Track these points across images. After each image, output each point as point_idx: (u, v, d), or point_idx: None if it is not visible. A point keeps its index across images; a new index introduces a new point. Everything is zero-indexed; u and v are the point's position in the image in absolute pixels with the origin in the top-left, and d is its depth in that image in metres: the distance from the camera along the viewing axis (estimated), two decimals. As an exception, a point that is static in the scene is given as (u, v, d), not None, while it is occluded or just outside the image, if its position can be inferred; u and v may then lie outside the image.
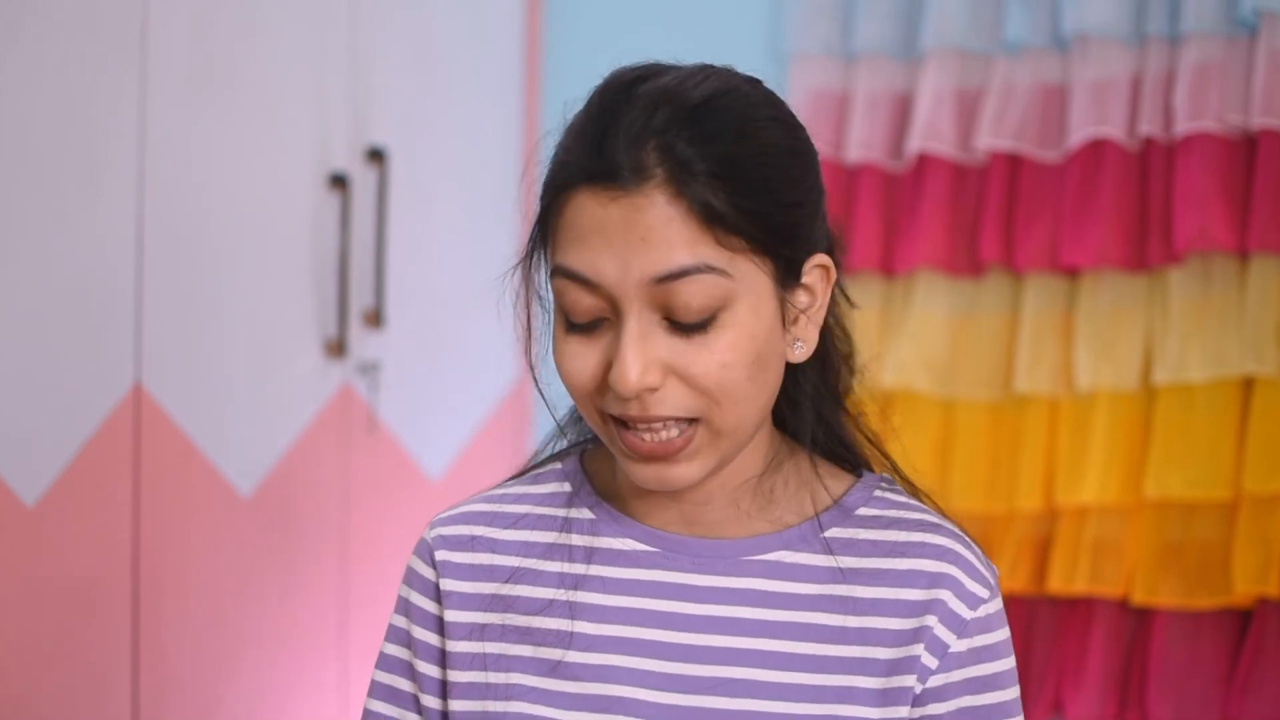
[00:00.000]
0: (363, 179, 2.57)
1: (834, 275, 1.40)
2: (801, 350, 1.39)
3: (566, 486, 1.48)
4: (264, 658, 2.38)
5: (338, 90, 2.52)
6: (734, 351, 1.32)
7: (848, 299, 1.52)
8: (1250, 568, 2.48)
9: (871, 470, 1.50)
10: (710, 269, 1.30)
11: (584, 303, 1.33)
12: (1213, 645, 2.55)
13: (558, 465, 1.51)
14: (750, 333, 1.33)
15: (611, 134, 1.32)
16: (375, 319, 2.59)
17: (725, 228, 1.30)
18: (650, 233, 1.29)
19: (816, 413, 1.45)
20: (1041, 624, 2.65)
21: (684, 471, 1.35)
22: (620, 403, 1.33)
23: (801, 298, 1.38)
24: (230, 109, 2.30)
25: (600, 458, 1.50)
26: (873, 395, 1.57)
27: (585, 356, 1.34)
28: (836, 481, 1.46)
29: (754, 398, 1.35)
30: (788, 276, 1.36)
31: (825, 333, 1.45)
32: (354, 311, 2.56)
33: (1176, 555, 2.56)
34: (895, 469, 1.50)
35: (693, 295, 1.30)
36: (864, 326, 2.49)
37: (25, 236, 1.96)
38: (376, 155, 2.58)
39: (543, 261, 1.39)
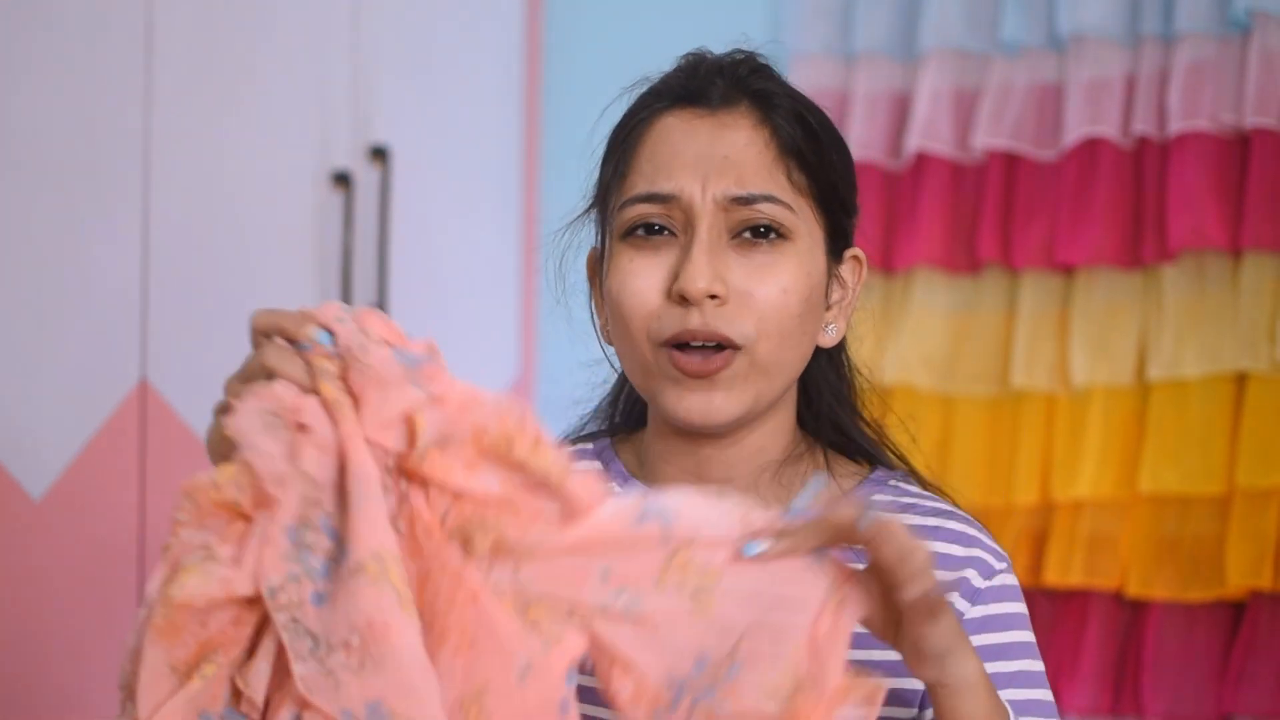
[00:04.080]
0: (366, 177, 2.58)
1: (864, 273, 1.48)
2: (832, 333, 1.46)
3: (597, 465, 1.52)
4: (268, 650, 2.39)
5: (341, 89, 2.54)
6: (793, 280, 1.39)
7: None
8: (1244, 561, 2.49)
9: (888, 468, 1.54)
10: (779, 201, 1.39)
11: (657, 218, 1.40)
12: (1207, 637, 2.55)
13: (589, 446, 1.55)
14: (807, 270, 1.40)
15: (705, 67, 1.43)
16: (378, 316, 2.60)
17: (799, 164, 1.40)
18: (733, 152, 1.39)
19: (830, 411, 1.50)
20: (1038, 616, 2.60)
21: (723, 401, 1.39)
22: (681, 317, 1.38)
23: (837, 288, 1.47)
24: (234, 108, 2.32)
25: (630, 442, 1.54)
26: (880, 396, 1.62)
27: (648, 275, 1.40)
28: (851, 475, 1.51)
29: (795, 340, 1.41)
30: (834, 248, 1.45)
31: (844, 349, 1.53)
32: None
33: (1171, 549, 2.57)
34: (912, 470, 1.53)
35: (762, 218, 1.38)
36: (863, 323, 2.51)
37: (33, 234, 1.98)
38: (379, 154, 2.59)
39: (611, 196, 1.44)
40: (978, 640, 1.40)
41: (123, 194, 2.11)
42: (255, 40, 2.36)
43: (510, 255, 2.99)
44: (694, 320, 1.37)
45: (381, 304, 2.60)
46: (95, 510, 2.09)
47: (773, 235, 1.39)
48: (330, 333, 1.15)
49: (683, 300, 1.38)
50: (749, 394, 1.40)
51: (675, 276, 1.38)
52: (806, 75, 2.82)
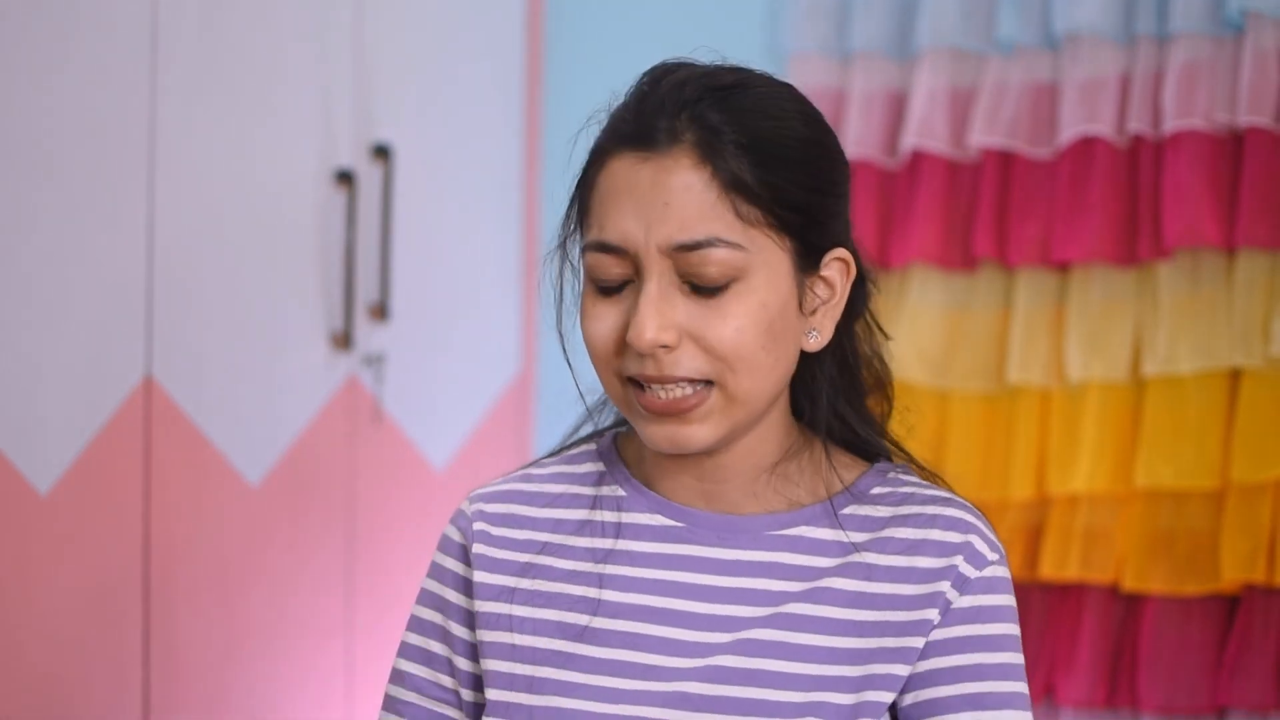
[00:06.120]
0: (368, 175, 2.59)
1: (853, 271, 1.46)
2: (816, 339, 1.45)
3: (600, 466, 1.54)
4: (272, 643, 2.40)
5: (343, 88, 2.55)
6: (747, 318, 1.38)
7: (883, 332, 1.59)
8: (1238, 555, 2.49)
9: (889, 460, 1.55)
10: (724, 243, 1.37)
11: (611, 270, 1.41)
12: (1201, 631, 2.56)
13: (592, 446, 1.57)
14: (763, 301, 1.39)
15: (649, 103, 1.41)
16: (381, 312, 2.61)
17: (746, 198, 1.38)
18: (673, 197, 1.38)
19: (832, 407, 1.51)
20: (1034, 610, 2.66)
21: (696, 432, 1.41)
22: (638, 362, 1.40)
23: (821, 289, 1.45)
24: (238, 107, 2.33)
25: (632, 440, 1.55)
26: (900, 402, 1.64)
27: (608, 319, 1.42)
28: (851, 467, 1.52)
29: (768, 368, 1.41)
30: (806, 262, 1.43)
31: (848, 338, 1.52)
32: (360, 305, 2.59)
33: (1166, 543, 2.57)
34: (912, 460, 1.55)
35: (708, 264, 1.37)
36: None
37: (38, 231, 1.99)
38: (382, 152, 2.60)
39: (578, 235, 1.46)
40: (964, 630, 1.42)
41: (127, 191, 2.12)
42: (259, 39, 2.37)
43: (511, 253, 3.00)
44: (648, 367, 1.39)
45: (383, 302, 2.61)
46: (101, 505, 2.10)
47: (719, 289, 1.38)
48: None
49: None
50: (725, 424, 1.42)
51: (629, 325, 1.39)
52: (803, 74, 2.83)
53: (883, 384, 1.59)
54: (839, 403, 1.52)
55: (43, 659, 2.02)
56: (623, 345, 1.41)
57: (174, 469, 2.21)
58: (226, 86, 2.30)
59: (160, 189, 2.17)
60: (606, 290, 1.42)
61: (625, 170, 1.40)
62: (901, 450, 1.56)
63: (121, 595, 2.14)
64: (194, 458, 2.25)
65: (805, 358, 1.48)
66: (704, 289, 1.38)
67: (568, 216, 1.48)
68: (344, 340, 2.53)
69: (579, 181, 1.46)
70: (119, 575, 2.13)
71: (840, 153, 1.48)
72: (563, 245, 1.49)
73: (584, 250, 1.44)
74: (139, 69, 2.13)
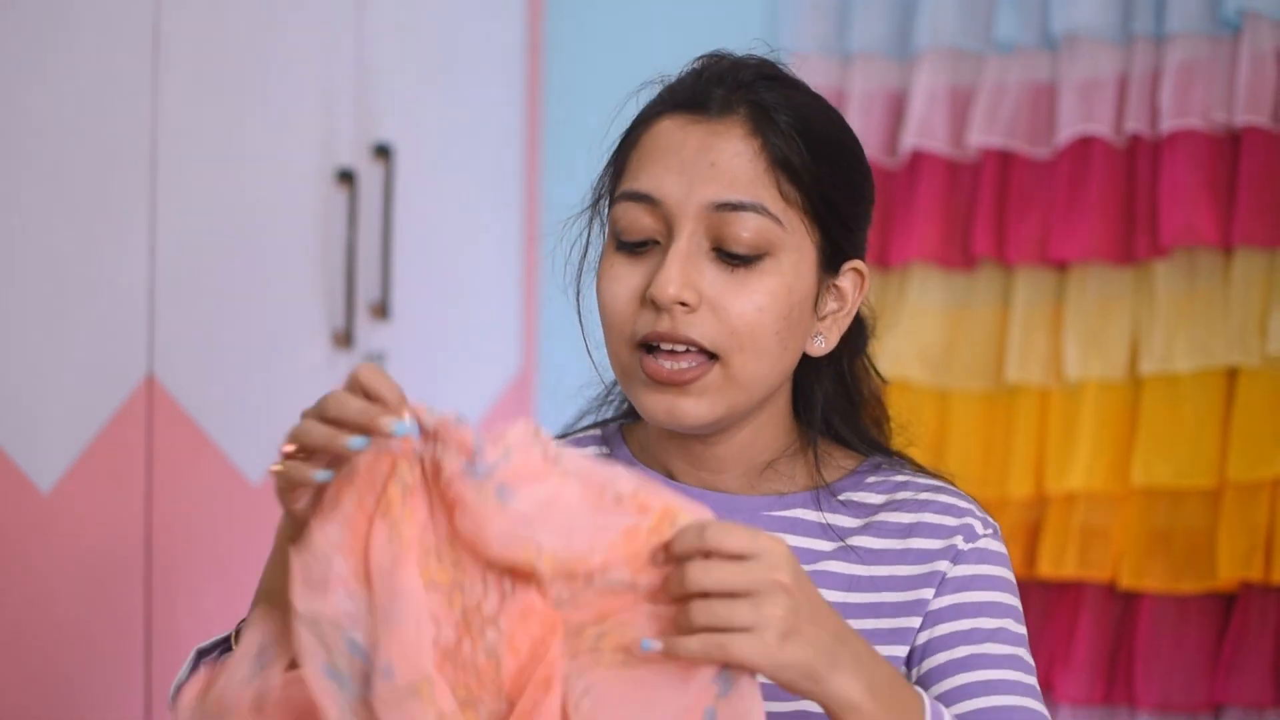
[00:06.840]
0: (369, 175, 2.60)
1: (866, 287, 1.48)
2: (820, 345, 1.46)
3: (605, 450, 1.55)
4: (273, 641, 2.41)
5: (345, 88, 2.55)
6: (770, 297, 1.39)
7: (879, 375, 1.60)
8: (1235, 553, 2.50)
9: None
10: (765, 211, 1.39)
11: (641, 222, 1.41)
12: (1198, 628, 2.57)
13: (597, 432, 1.58)
14: (789, 285, 1.40)
15: (706, 75, 1.44)
16: (381, 311, 2.62)
17: (790, 177, 1.40)
18: (720, 159, 1.39)
19: (826, 418, 1.52)
20: (1032, 607, 2.65)
21: (692, 407, 1.41)
22: (653, 319, 1.40)
23: (835, 296, 1.46)
24: (240, 107, 2.33)
25: (636, 431, 1.56)
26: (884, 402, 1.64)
27: (628, 278, 1.42)
28: (846, 458, 1.53)
29: (774, 355, 1.41)
30: (829, 262, 1.44)
31: (849, 365, 1.53)
32: (360, 304, 2.59)
33: (1163, 541, 2.58)
34: (908, 459, 1.56)
35: (744, 229, 1.39)
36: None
37: (41, 231, 1.99)
38: (383, 151, 2.61)
39: (608, 197, 1.47)
40: (958, 598, 1.43)
41: (130, 191, 2.13)
42: (261, 39, 2.37)
43: (512, 252, 3.01)
44: (663, 324, 1.39)
45: (384, 301, 2.62)
46: (102, 504, 2.11)
47: (750, 260, 1.39)
48: (420, 428, 1.19)
49: (655, 304, 1.39)
50: (721, 404, 1.42)
51: (650, 286, 1.40)
52: (803, 74, 2.81)
53: (880, 424, 1.60)
54: (834, 417, 1.53)
55: (45, 656, 2.02)
56: (639, 306, 1.41)
57: (175, 468, 2.22)
58: (228, 86, 2.31)
59: (162, 188, 2.17)
60: (629, 248, 1.42)
61: (673, 129, 1.42)
62: (903, 457, 1.57)
63: (123, 593, 2.15)
64: (195, 456, 2.26)
65: (806, 372, 1.50)
66: (734, 257, 1.39)
67: (604, 172, 1.49)
68: (345, 339, 2.54)
69: (621, 141, 1.47)
70: (121, 573, 2.14)
71: (871, 174, 1.50)
72: (595, 204, 1.50)
73: (614, 201, 1.44)
74: (141, 69, 2.14)
